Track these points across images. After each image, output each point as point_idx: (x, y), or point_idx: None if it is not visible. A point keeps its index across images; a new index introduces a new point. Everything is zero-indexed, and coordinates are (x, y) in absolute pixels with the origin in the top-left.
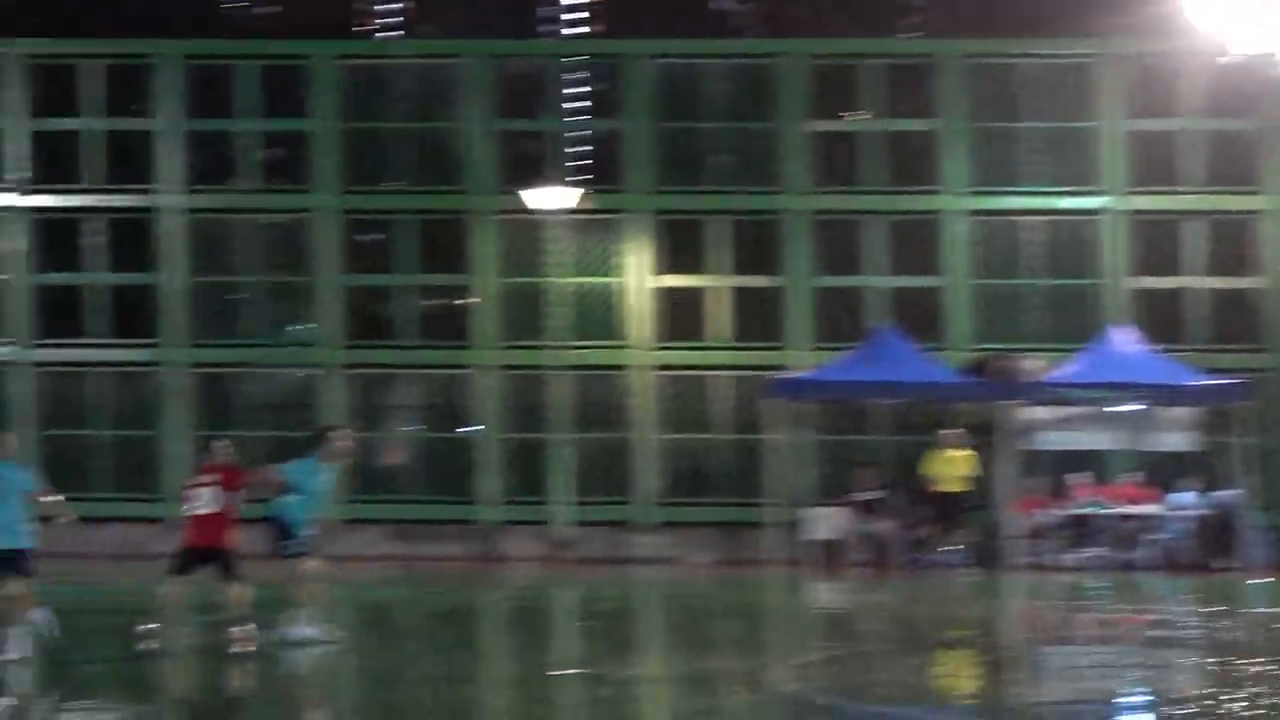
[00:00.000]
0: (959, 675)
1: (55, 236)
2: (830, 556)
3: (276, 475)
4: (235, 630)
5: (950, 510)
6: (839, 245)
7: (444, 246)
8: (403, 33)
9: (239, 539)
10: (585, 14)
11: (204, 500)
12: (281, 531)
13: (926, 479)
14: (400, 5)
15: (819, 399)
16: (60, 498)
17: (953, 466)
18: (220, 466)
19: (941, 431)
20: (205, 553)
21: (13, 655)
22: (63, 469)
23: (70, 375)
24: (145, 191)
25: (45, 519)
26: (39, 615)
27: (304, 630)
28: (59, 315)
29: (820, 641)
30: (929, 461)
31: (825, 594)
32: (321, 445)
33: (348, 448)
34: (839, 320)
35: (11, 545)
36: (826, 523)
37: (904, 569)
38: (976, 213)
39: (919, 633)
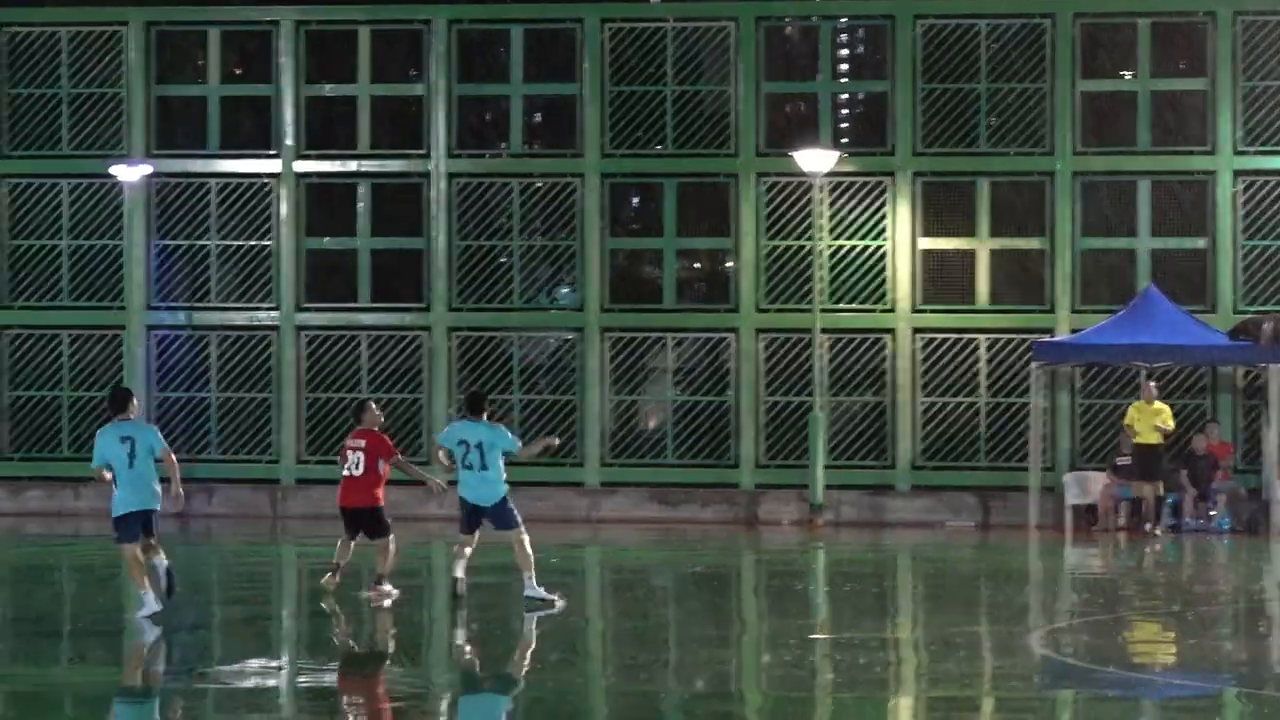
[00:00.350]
0: (1214, 641)
1: (324, 201)
2: (1091, 520)
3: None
4: (376, 589)
5: (1150, 464)
6: (1105, 207)
7: (707, 209)
8: None
9: (380, 500)
10: None
11: (351, 463)
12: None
13: (1129, 430)
14: None
15: (1082, 362)
16: (174, 460)
17: (1151, 419)
18: (367, 432)
19: (1146, 383)
20: (352, 514)
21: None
22: (327, 432)
23: (336, 339)
24: (413, 156)
25: (165, 480)
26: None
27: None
28: (326, 280)
29: (1080, 606)
30: (1130, 414)
31: (1085, 558)
32: (481, 410)
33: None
34: (1104, 283)
35: (147, 505)
36: (1088, 487)
37: (1165, 533)
38: (1244, 173)
39: (1178, 598)
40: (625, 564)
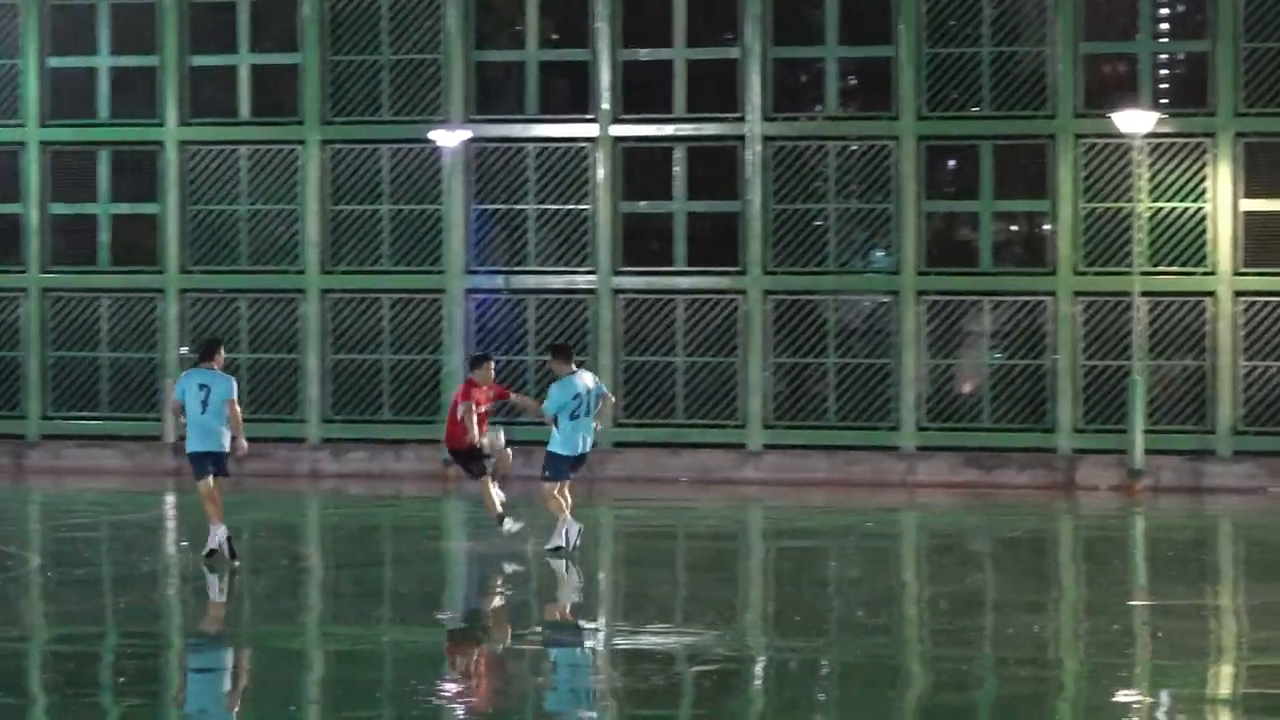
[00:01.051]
0: None
1: (640, 165)
2: None
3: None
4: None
5: None
6: None
7: (1024, 171)
8: None
9: (462, 444)
10: None
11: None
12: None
13: None
14: None
15: None
16: (237, 412)
17: None
18: (465, 380)
19: None
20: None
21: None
22: (642, 393)
23: (652, 302)
24: (729, 120)
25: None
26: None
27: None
28: (642, 243)
29: None
30: None
31: None
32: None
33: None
34: None
35: (214, 448)
36: None
37: None
38: None
39: None
40: (941, 528)
